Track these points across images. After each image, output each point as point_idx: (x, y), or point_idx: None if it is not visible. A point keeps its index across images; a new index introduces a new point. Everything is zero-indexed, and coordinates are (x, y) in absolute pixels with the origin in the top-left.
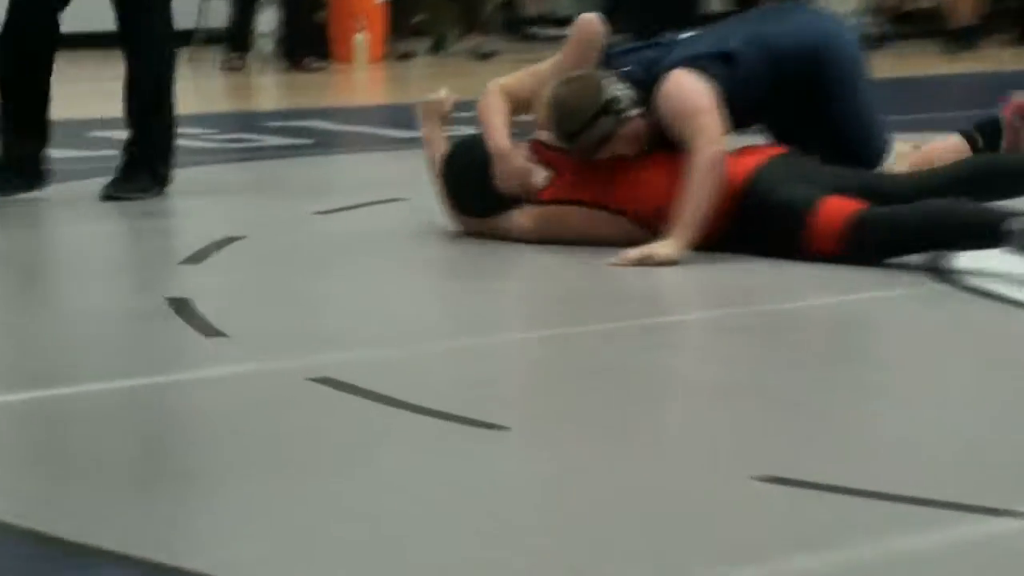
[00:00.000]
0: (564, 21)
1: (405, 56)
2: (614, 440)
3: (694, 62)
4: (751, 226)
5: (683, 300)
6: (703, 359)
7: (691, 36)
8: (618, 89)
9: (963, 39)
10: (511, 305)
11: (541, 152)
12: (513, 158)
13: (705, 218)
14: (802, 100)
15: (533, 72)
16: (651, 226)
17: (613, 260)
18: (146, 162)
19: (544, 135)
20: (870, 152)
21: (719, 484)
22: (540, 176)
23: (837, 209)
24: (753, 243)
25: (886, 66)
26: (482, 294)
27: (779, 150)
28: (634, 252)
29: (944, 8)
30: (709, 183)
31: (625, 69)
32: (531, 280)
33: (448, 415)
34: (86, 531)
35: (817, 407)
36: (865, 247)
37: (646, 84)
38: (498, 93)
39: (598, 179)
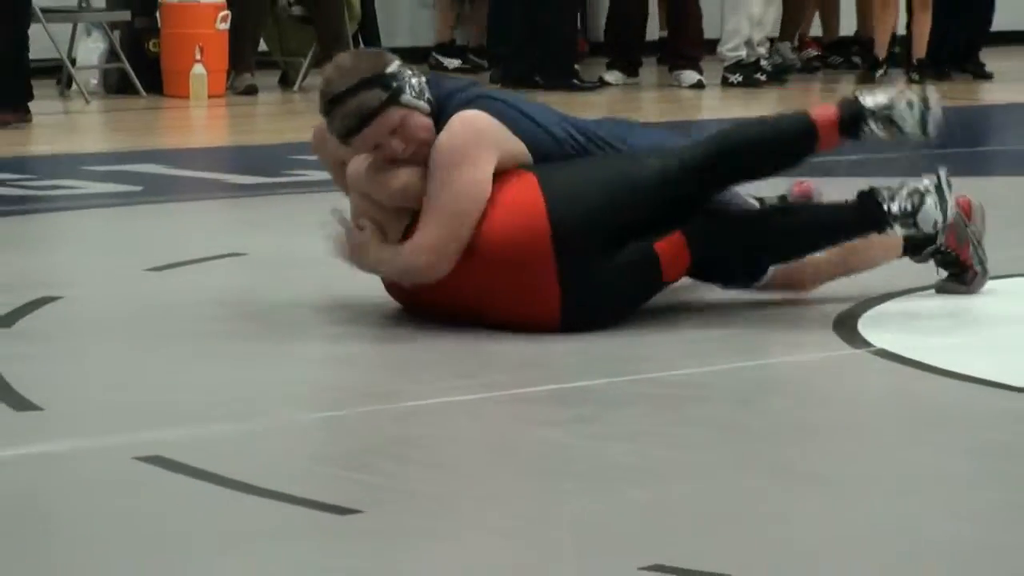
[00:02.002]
0: (427, 51)
1: (249, 91)
2: (486, 526)
3: (497, 104)
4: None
5: (564, 366)
6: (591, 434)
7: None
8: (407, 72)
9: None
10: (356, 374)
11: None
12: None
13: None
14: None
15: None
16: None
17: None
18: None
19: None
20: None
21: (603, 574)
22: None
23: (669, 247)
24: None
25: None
26: (330, 361)
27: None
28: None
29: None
30: (404, 270)
31: (436, 79)
32: (381, 344)
33: (294, 498)
34: None
35: (720, 489)
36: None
37: (444, 111)
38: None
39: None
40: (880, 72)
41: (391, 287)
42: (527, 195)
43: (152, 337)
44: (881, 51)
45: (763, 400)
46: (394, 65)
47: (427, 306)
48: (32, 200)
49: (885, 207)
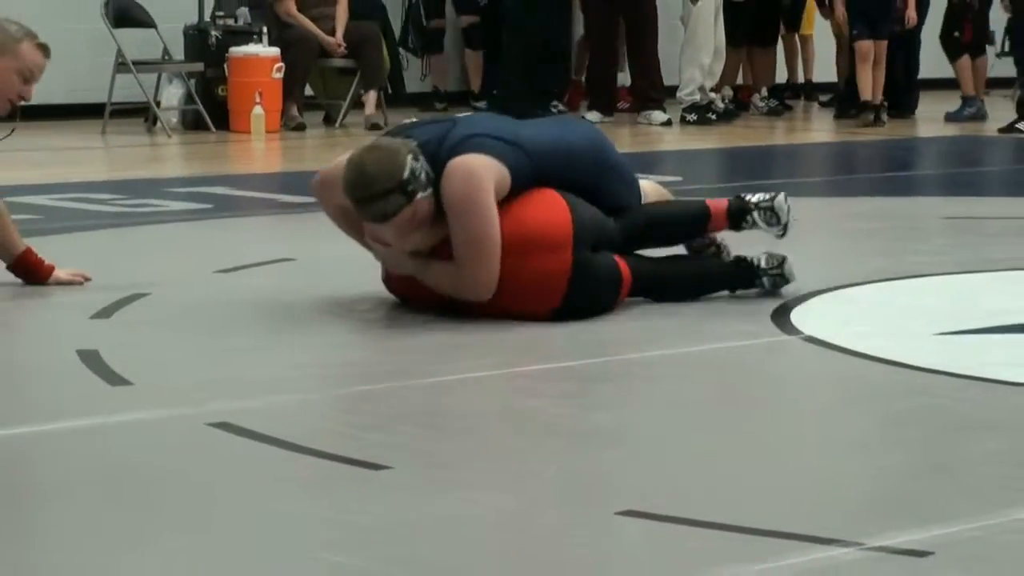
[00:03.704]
0: (450, 96)
1: (298, 128)
2: (490, 479)
3: (478, 140)
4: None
5: (555, 349)
6: (575, 404)
7: (473, 116)
8: (416, 166)
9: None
10: (389, 356)
11: None
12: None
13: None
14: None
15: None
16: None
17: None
18: None
19: None
20: (630, 200)
21: (584, 519)
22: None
23: (623, 267)
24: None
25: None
26: (365, 346)
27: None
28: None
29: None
30: (450, 289)
31: (424, 139)
32: (410, 332)
33: (337, 456)
34: None
35: (680, 449)
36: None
37: (437, 158)
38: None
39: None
40: (882, 115)
41: (392, 281)
42: (552, 198)
43: (220, 326)
44: (875, 96)
45: (711, 377)
46: (408, 166)
47: (427, 299)
48: (125, 216)
49: (755, 262)
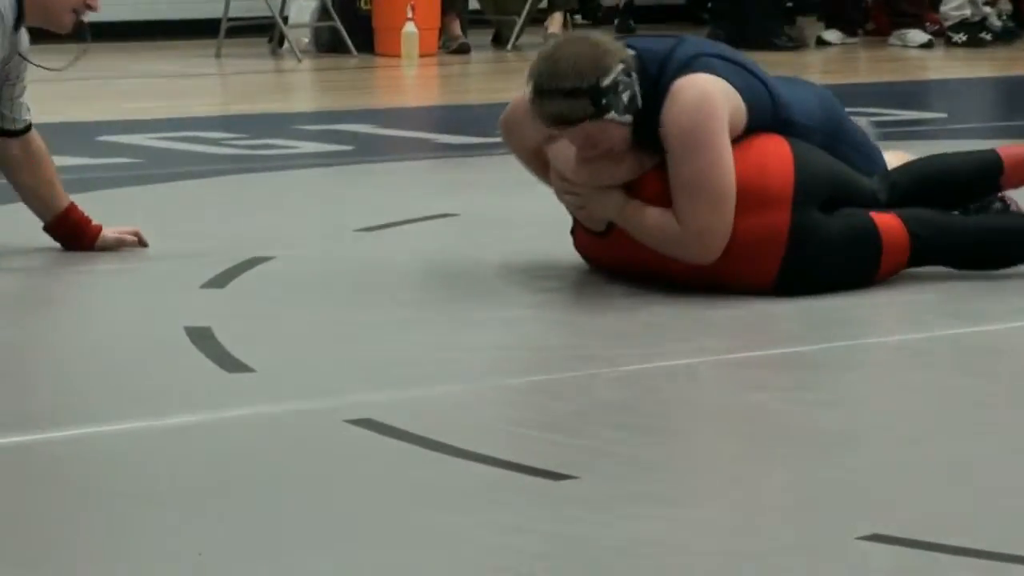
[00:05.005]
0: (649, 11)
1: (461, 49)
2: (702, 492)
3: (714, 61)
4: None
5: (779, 331)
6: (806, 400)
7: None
8: (625, 81)
9: None
10: (568, 338)
11: None
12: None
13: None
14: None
15: None
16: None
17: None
18: None
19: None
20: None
21: (817, 544)
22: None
23: (888, 226)
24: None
25: None
26: (543, 325)
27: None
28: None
29: None
30: (662, 242)
31: (644, 49)
32: (592, 308)
33: (506, 462)
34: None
35: (940, 457)
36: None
37: (660, 78)
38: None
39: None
40: None
41: (578, 237)
42: (776, 144)
43: (362, 299)
44: None
45: (982, 368)
46: (612, 74)
47: (627, 266)
48: (243, 159)
49: None
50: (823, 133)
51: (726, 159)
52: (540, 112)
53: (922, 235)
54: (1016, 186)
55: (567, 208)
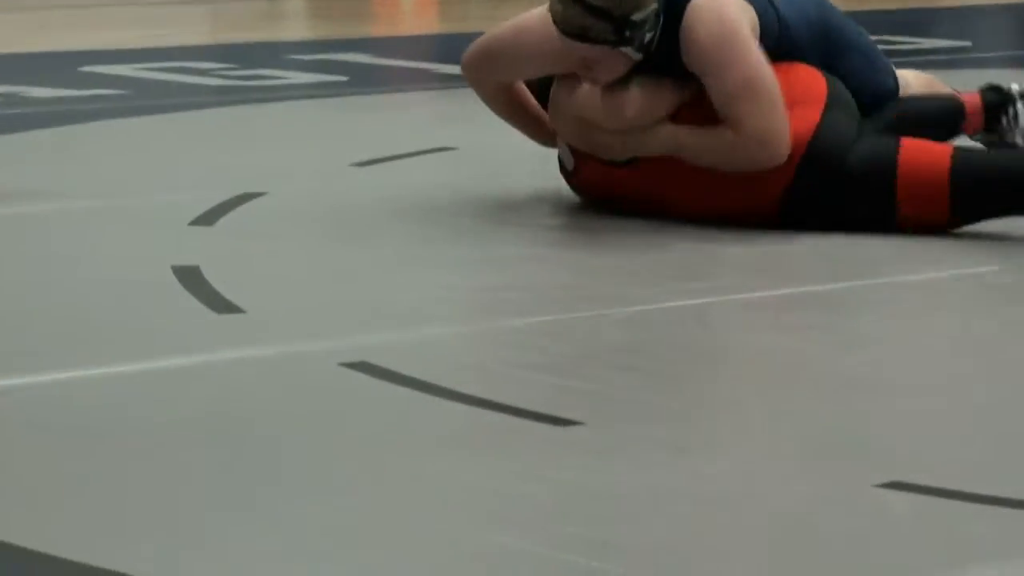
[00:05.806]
0: None
1: None
2: (714, 438)
3: None
4: (818, 194)
5: (796, 269)
6: (825, 341)
7: None
8: (653, 23)
9: None
10: (572, 277)
11: None
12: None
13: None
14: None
15: (519, 28)
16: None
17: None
18: None
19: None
20: (885, 91)
21: (833, 492)
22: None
23: (927, 157)
24: (819, 215)
25: None
26: (546, 263)
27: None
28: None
29: None
30: (724, 159)
31: None
32: (598, 245)
33: (509, 407)
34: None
35: (962, 403)
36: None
37: (673, 7)
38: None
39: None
40: None
41: (596, 181)
42: (799, 64)
43: (357, 236)
44: None
45: (1009, 310)
46: (645, 12)
47: (625, 195)
48: (233, 91)
49: None
50: (822, 41)
51: (763, 59)
52: (562, 15)
53: (973, 171)
54: (970, 132)
55: (570, 147)
